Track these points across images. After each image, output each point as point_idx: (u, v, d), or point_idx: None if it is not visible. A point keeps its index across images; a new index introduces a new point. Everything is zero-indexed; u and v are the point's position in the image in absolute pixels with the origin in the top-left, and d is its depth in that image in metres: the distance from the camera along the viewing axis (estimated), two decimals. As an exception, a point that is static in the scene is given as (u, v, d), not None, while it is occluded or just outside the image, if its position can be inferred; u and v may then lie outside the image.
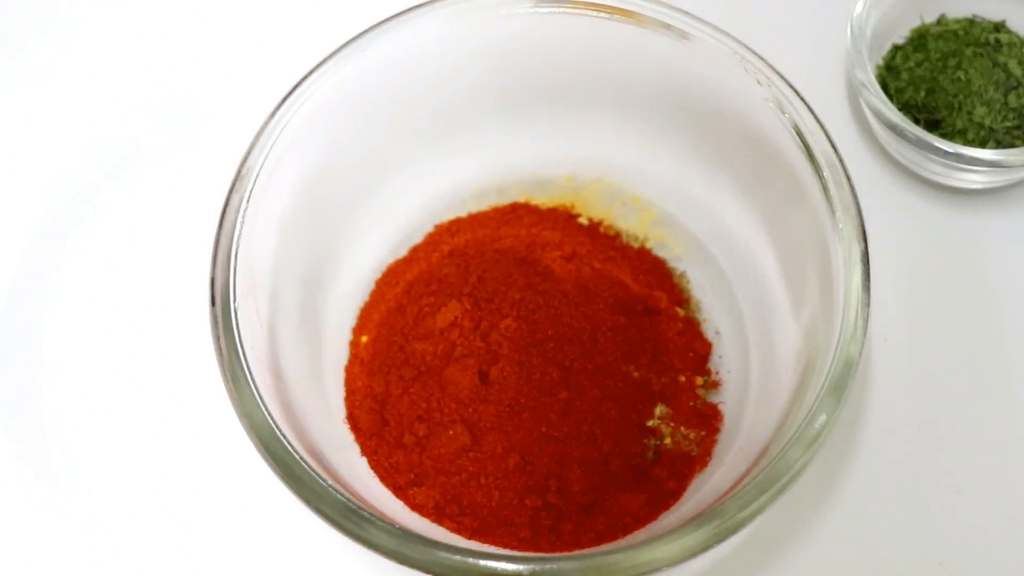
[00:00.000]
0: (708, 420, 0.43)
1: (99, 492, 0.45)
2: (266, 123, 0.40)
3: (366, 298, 0.46)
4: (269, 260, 0.40)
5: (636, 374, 0.43)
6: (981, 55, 0.45)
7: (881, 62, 0.49)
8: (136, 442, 0.46)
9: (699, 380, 0.44)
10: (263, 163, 0.39)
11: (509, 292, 0.44)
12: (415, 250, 0.47)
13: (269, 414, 0.35)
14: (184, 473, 0.45)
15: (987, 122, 0.44)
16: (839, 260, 0.37)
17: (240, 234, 0.38)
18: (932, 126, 0.46)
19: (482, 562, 0.33)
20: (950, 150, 0.45)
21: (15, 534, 0.44)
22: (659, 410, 0.43)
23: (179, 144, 0.52)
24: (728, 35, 0.41)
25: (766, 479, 0.34)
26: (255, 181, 0.39)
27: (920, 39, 0.48)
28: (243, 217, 0.38)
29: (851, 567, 0.43)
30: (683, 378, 0.44)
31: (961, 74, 0.45)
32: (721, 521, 0.34)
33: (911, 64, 0.47)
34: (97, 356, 0.47)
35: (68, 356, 0.47)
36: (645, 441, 0.42)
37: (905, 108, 0.47)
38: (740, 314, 0.45)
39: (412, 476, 0.42)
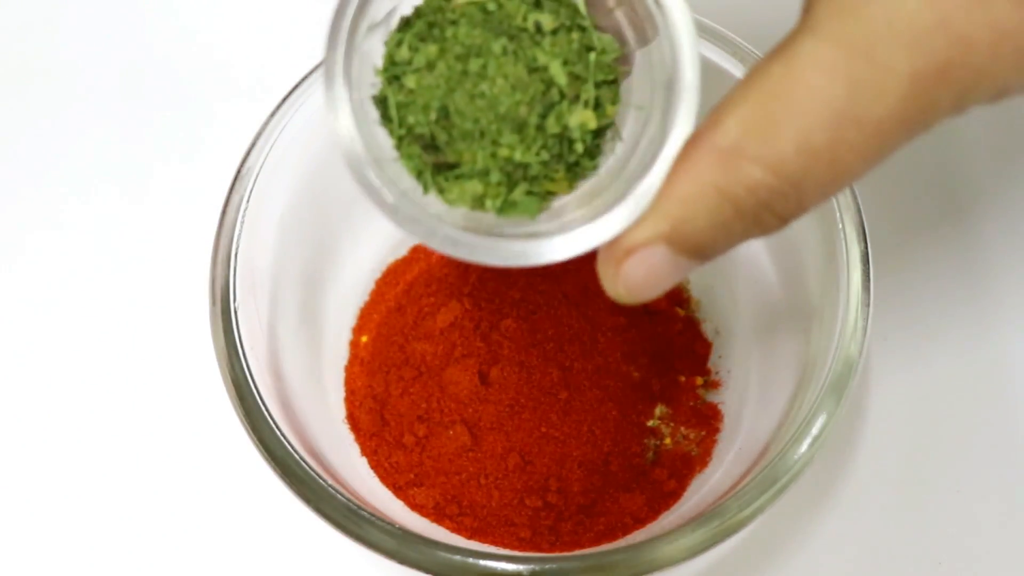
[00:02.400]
0: (708, 420, 0.43)
1: (99, 492, 0.45)
2: (266, 123, 0.39)
3: (366, 298, 0.46)
4: (269, 260, 0.40)
5: (636, 374, 0.43)
6: (514, 54, 0.28)
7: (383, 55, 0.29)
8: (136, 442, 0.46)
9: (699, 380, 0.44)
10: (263, 163, 0.39)
11: (509, 292, 0.44)
12: (415, 250, 0.47)
13: (269, 414, 0.35)
14: (184, 473, 0.45)
15: (517, 156, 0.28)
16: (839, 260, 0.37)
17: (240, 234, 0.38)
18: (444, 169, 0.29)
19: (482, 562, 0.33)
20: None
21: (15, 534, 0.44)
22: (659, 410, 0.43)
23: (179, 144, 0.51)
24: (721, 30, 0.41)
25: (766, 479, 0.34)
26: (255, 181, 0.39)
27: (431, 20, 0.28)
28: (243, 217, 0.38)
29: (851, 567, 0.43)
30: (683, 378, 0.44)
31: (485, 87, 0.28)
32: (721, 521, 0.34)
33: (420, 64, 0.28)
34: (97, 356, 0.47)
35: (68, 355, 0.47)
36: (645, 441, 0.42)
37: (409, 138, 0.29)
38: (740, 314, 0.44)
39: (412, 476, 0.42)
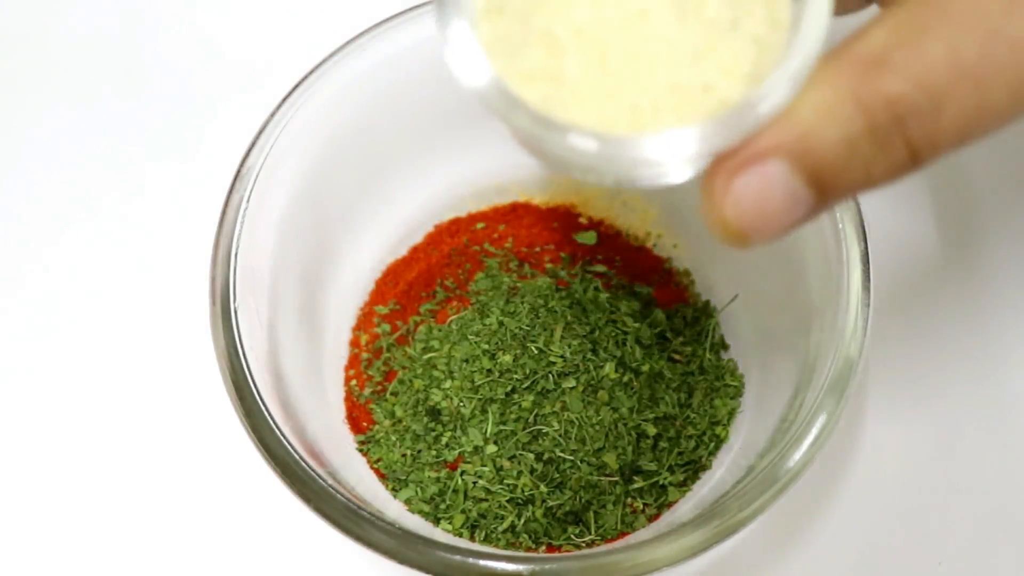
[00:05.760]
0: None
1: (99, 492, 0.45)
2: (266, 123, 0.39)
3: (366, 298, 0.46)
4: (269, 260, 0.40)
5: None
6: None
7: None
8: (136, 442, 0.45)
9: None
10: (263, 163, 0.39)
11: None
12: (415, 250, 0.47)
13: (269, 414, 0.35)
14: (184, 473, 0.45)
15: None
16: (839, 260, 0.37)
17: (240, 233, 0.38)
18: None
19: (482, 562, 0.33)
20: None
21: (16, 534, 0.44)
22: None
23: (179, 144, 0.51)
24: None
25: (766, 479, 0.34)
26: (255, 181, 0.39)
27: None
28: (243, 216, 0.38)
29: (851, 567, 0.43)
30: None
31: None
32: (721, 521, 0.34)
33: None
34: (97, 356, 0.47)
35: (68, 355, 0.47)
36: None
37: None
38: (740, 314, 0.44)
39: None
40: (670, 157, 0.24)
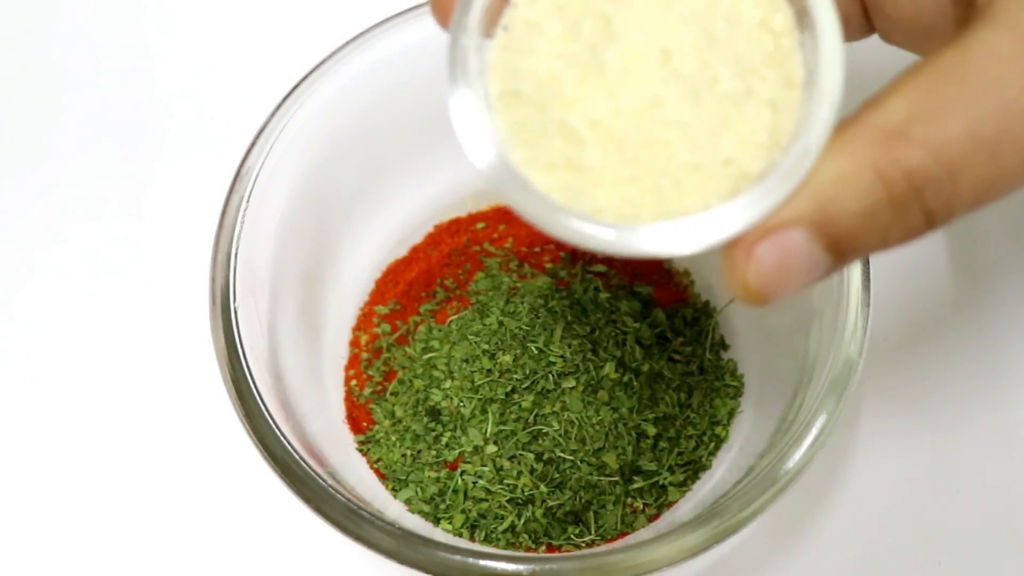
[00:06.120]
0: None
1: (100, 492, 0.45)
2: (266, 123, 0.39)
3: (366, 298, 0.46)
4: (269, 260, 0.40)
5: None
6: None
7: None
8: (136, 442, 0.46)
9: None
10: (263, 163, 0.39)
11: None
12: (415, 250, 0.47)
13: (269, 414, 0.35)
14: (184, 473, 0.45)
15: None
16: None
17: (240, 234, 0.38)
18: None
19: (482, 562, 0.33)
20: None
21: (16, 534, 0.44)
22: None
23: (179, 144, 0.52)
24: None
25: (766, 479, 0.34)
26: (255, 181, 0.39)
27: None
28: (243, 217, 0.38)
29: (851, 567, 0.43)
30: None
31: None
32: (721, 521, 0.34)
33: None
34: (97, 355, 0.47)
35: (69, 355, 0.47)
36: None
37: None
38: (740, 314, 0.44)
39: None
40: (688, 247, 0.25)
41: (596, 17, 0.25)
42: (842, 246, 0.24)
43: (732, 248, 0.25)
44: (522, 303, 0.43)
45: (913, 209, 0.24)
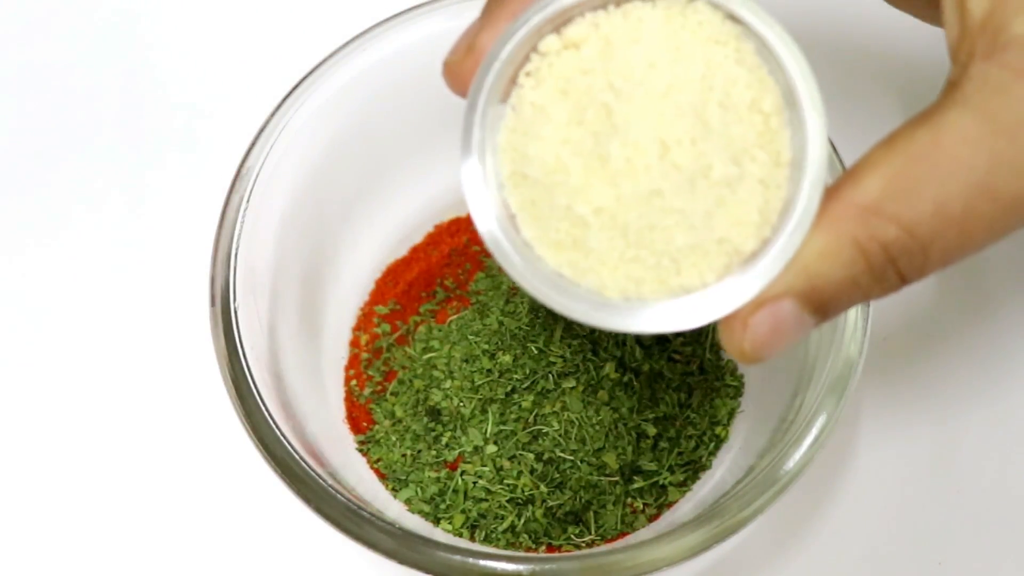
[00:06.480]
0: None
1: (100, 492, 0.45)
2: (266, 123, 0.40)
3: (366, 298, 0.46)
4: (269, 260, 0.40)
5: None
6: None
7: None
8: (136, 442, 0.46)
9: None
10: (263, 163, 0.39)
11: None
12: (415, 250, 0.47)
13: (269, 414, 0.35)
14: (184, 473, 0.45)
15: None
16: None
17: (240, 234, 0.38)
18: None
19: (482, 562, 0.33)
20: None
21: (16, 534, 0.44)
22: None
23: (180, 144, 0.52)
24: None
25: (766, 479, 0.34)
26: (255, 181, 0.39)
27: None
28: (243, 217, 0.38)
29: (851, 567, 0.43)
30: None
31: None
32: (721, 521, 0.34)
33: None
34: (98, 356, 0.47)
35: (69, 356, 0.47)
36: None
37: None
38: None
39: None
40: (689, 324, 0.27)
41: (598, 106, 0.27)
42: (827, 308, 0.27)
43: (730, 320, 0.27)
44: (522, 303, 0.43)
45: (889, 274, 0.27)
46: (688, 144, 0.26)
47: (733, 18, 0.27)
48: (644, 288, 0.27)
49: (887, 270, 0.26)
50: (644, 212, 0.27)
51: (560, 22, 0.27)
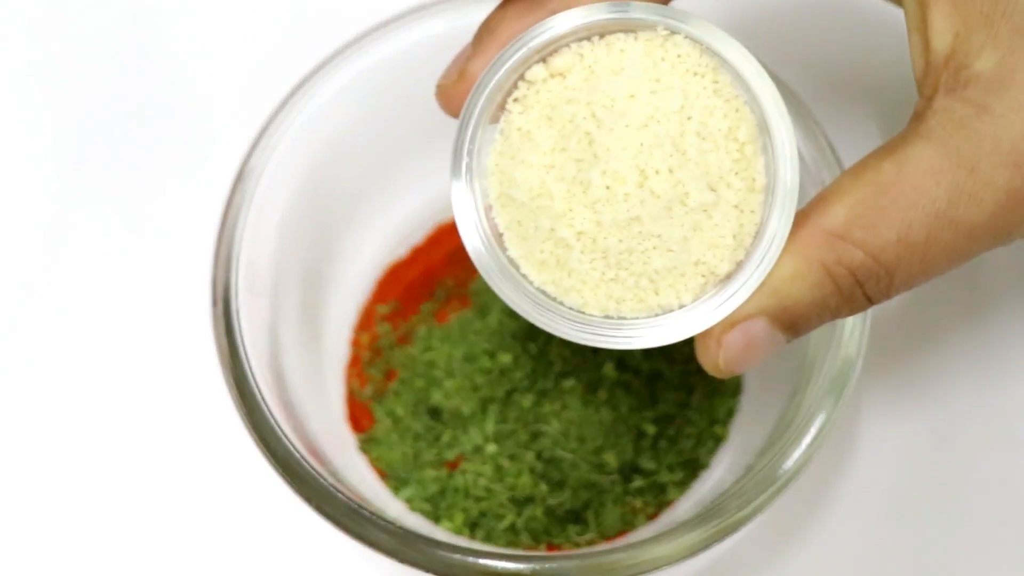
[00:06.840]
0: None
1: (101, 492, 0.45)
2: (268, 123, 0.40)
3: (367, 297, 0.46)
4: (271, 260, 0.40)
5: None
6: None
7: None
8: (137, 441, 0.46)
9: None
10: (265, 163, 0.39)
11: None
12: (416, 250, 0.47)
13: (270, 413, 0.36)
14: (185, 472, 0.45)
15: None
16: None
17: (242, 234, 0.38)
18: None
19: (482, 561, 0.33)
20: None
21: (16, 534, 0.44)
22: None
23: (181, 144, 0.52)
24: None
25: (766, 479, 0.34)
26: (257, 181, 0.39)
27: None
28: (245, 217, 0.38)
29: (851, 566, 0.43)
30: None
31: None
32: (721, 520, 0.34)
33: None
34: (99, 356, 0.47)
35: (70, 356, 0.47)
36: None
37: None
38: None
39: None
40: (667, 340, 0.29)
41: (581, 135, 0.28)
42: (798, 327, 0.29)
43: (705, 337, 0.29)
44: None
45: (857, 295, 0.28)
46: (666, 173, 0.28)
47: (711, 51, 0.28)
48: (624, 307, 0.29)
49: (854, 292, 0.28)
50: (623, 237, 0.28)
51: (547, 52, 0.29)
